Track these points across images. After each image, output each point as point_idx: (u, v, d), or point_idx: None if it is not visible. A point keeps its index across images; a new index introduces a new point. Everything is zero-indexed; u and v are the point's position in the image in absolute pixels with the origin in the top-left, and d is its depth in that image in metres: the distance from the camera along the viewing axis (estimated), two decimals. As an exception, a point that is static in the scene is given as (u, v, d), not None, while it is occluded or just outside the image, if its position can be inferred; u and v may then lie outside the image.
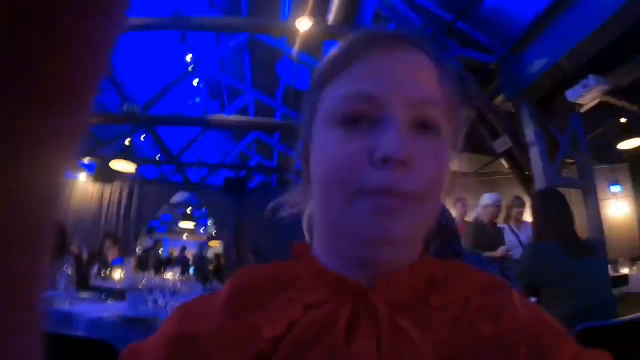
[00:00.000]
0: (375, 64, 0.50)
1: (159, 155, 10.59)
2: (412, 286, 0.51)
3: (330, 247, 0.54)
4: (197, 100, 11.03)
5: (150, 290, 2.60)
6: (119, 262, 6.14)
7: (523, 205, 4.28)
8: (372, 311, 0.48)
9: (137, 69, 8.84)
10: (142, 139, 10.26)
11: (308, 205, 0.62)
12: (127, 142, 8.68)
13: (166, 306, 2.48)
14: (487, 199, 4.24)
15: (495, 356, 0.45)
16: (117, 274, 5.43)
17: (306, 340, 0.45)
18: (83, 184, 10.34)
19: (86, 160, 9.90)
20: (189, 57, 8.74)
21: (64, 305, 2.50)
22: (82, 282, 4.15)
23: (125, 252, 6.81)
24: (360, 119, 0.49)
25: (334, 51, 0.55)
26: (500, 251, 3.79)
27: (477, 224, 4.22)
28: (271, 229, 8.73)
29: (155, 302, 2.52)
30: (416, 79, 0.50)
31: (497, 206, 4.20)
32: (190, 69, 8.67)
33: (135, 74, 8.83)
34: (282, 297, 0.50)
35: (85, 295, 3.17)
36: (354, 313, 0.48)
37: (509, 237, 4.14)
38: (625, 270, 4.90)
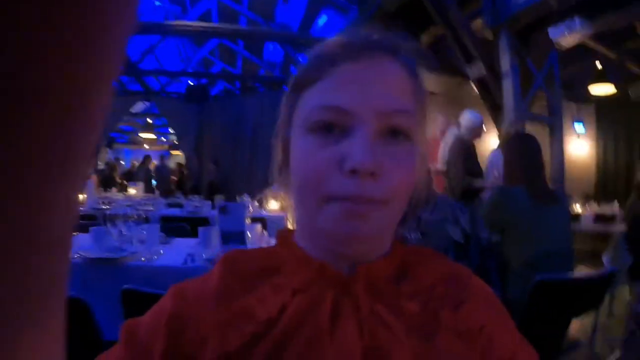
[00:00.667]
0: (345, 74, 0.52)
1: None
2: (386, 275, 0.56)
3: (310, 239, 0.58)
4: (157, 3, 10.25)
5: (114, 221, 2.52)
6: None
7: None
8: (353, 298, 0.53)
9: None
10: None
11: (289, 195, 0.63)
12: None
13: (132, 239, 2.41)
14: (471, 117, 3.88)
15: (455, 340, 0.53)
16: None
17: (294, 323, 0.51)
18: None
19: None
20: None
21: None
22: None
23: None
24: (332, 128, 0.52)
25: (311, 56, 0.57)
26: (490, 181, 3.65)
27: (465, 144, 3.83)
28: (233, 139, 8.59)
29: (120, 233, 2.46)
30: (386, 88, 0.52)
31: (482, 126, 3.90)
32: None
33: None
34: (271, 282, 0.55)
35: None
36: (336, 298, 0.53)
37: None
38: (578, 209, 5.15)
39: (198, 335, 0.51)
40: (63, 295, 0.18)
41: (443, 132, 4.36)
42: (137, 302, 1.49)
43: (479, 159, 3.91)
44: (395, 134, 0.52)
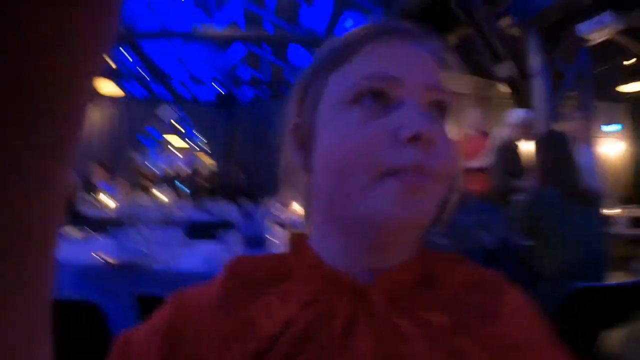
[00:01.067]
0: (389, 48, 0.50)
1: (145, 72, 10.21)
2: (409, 284, 0.51)
3: (334, 238, 0.52)
4: (184, 13, 10.43)
5: (137, 225, 2.54)
6: (107, 187, 6.04)
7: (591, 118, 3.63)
8: (370, 309, 0.48)
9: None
10: (127, 56, 9.85)
11: (304, 196, 0.59)
12: (110, 63, 8.31)
13: (153, 242, 2.42)
14: (521, 115, 3.65)
15: (489, 354, 0.46)
16: (108, 200, 5.37)
17: (303, 338, 0.46)
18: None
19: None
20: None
21: None
22: (72, 215, 4.07)
23: (115, 173, 6.75)
24: (380, 97, 0.48)
25: (337, 39, 0.55)
26: (527, 183, 3.34)
27: (507, 146, 3.63)
28: (262, 144, 8.61)
29: (143, 236, 2.47)
30: (428, 65, 0.51)
31: (529, 124, 3.68)
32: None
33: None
34: (278, 290, 0.50)
35: (74, 233, 3.06)
36: (351, 310, 0.48)
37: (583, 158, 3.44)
38: (613, 211, 4.91)
39: (196, 350, 0.47)
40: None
41: (479, 129, 4.18)
42: (153, 309, 1.43)
43: (522, 160, 3.69)
44: (442, 109, 0.51)
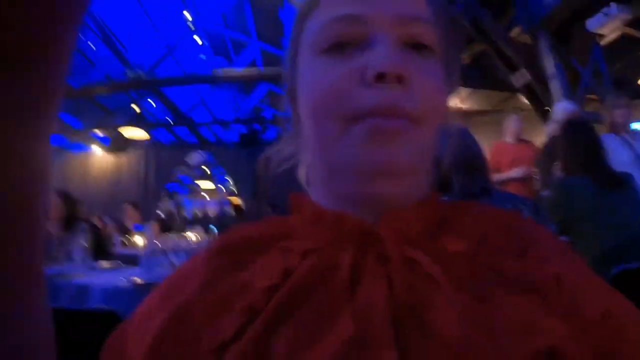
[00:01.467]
0: None
1: (170, 118, 10.55)
2: (421, 225, 0.45)
3: (327, 190, 0.49)
4: (203, 57, 10.83)
5: (165, 252, 2.60)
6: (140, 227, 6.24)
7: (626, 105, 3.29)
8: (380, 249, 0.42)
9: (137, 33, 8.69)
10: (152, 103, 10.23)
11: (303, 154, 0.56)
12: (136, 109, 8.63)
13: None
14: (564, 107, 3.37)
15: (522, 295, 0.38)
16: (140, 240, 5.50)
17: (304, 288, 0.40)
18: (98, 156, 10.44)
19: (99, 132, 9.94)
20: (188, 15, 8.54)
21: (79, 277, 2.48)
22: (101, 252, 4.17)
23: (147, 217, 6.92)
24: (346, 44, 0.45)
25: None
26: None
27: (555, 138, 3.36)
28: (289, 181, 8.72)
29: (171, 263, 2.52)
30: None
31: (575, 114, 3.25)
32: (190, 25, 8.49)
33: (136, 39, 8.70)
34: (276, 247, 0.46)
35: (103, 264, 3.15)
36: (358, 254, 0.42)
37: (620, 152, 3.00)
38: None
39: (188, 328, 0.41)
40: None
41: (517, 137, 4.03)
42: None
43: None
44: (417, 47, 0.45)
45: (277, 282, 0.41)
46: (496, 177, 3.74)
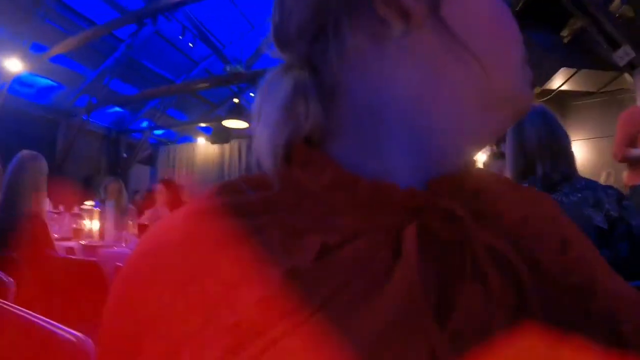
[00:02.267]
0: None
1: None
2: (464, 195, 0.37)
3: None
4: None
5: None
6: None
7: None
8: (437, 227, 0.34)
9: (234, 29, 9.15)
10: (251, 95, 10.73)
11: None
12: (235, 101, 9.12)
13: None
14: None
15: (562, 298, 0.35)
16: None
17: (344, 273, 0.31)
18: (203, 147, 11.21)
19: (203, 124, 10.66)
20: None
21: None
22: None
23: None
24: None
25: None
26: None
27: None
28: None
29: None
30: None
31: None
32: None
33: (234, 34, 9.17)
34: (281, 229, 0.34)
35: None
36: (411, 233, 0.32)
37: None
38: None
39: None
40: None
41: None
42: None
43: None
44: None
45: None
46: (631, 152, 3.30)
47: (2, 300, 1.39)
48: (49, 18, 7.55)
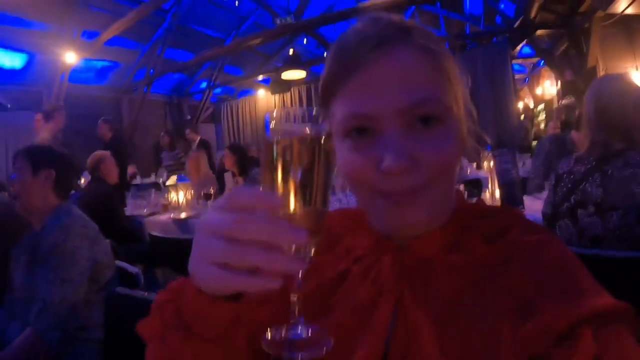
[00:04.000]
0: (363, 76, 0.54)
1: (326, 52, 10.80)
2: (440, 245, 0.60)
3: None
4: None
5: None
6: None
7: None
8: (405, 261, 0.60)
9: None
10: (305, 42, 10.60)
11: None
12: (291, 51, 9.03)
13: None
14: None
15: (496, 319, 0.50)
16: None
17: (352, 286, 0.62)
18: (263, 98, 11.31)
19: (260, 77, 10.69)
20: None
21: None
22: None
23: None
24: (363, 131, 0.55)
25: (329, 59, 0.60)
26: None
27: None
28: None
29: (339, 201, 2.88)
30: (403, 83, 0.53)
31: None
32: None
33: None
34: (345, 243, 0.69)
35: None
36: (388, 266, 0.60)
37: None
38: None
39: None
40: None
41: None
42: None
43: None
44: (425, 120, 0.54)
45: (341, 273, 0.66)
46: None
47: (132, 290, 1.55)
48: (92, 4, 7.72)
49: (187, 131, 8.47)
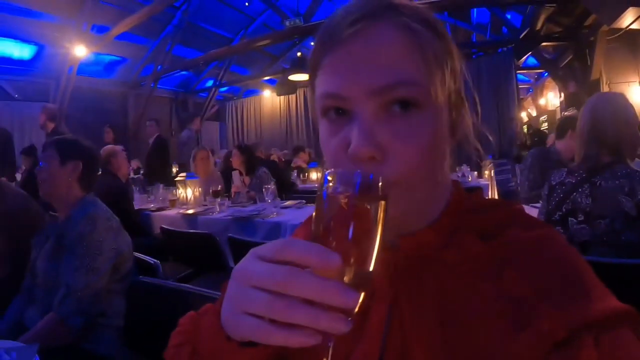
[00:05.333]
0: (339, 56, 0.51)
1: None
2: (434, 244, 0.56)
3: None
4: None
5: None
6: (314, 165, 6.92)
7: None
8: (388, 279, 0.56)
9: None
10: (312, 44, 10.60)
11: None
12: (298, 54, 9.11)
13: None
14: None
15: (494, 320, 0.48)
16: (315, 176, 6.16)
17: None
18: (269, 99, 11.38)
19: (267, 77, 10.78)
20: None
21: (272, 217, 3.13)
22: (287, 186, 4.87)
23: (319, 155, 7.59)
24: (339, 111, 0.52)
25: (315, 38, 0.56)
26: None
27: None
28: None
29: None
30: (378, 63, 0.50)
31: None
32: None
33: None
34: None
35: (288, 203, 3.77)
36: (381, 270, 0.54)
37: None
38: None
39: None
40: None
41: None
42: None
43: None
44: (405, 105, 0.50)
45: None
46: None
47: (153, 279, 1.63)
48: (102, -1, 7.74)
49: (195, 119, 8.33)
